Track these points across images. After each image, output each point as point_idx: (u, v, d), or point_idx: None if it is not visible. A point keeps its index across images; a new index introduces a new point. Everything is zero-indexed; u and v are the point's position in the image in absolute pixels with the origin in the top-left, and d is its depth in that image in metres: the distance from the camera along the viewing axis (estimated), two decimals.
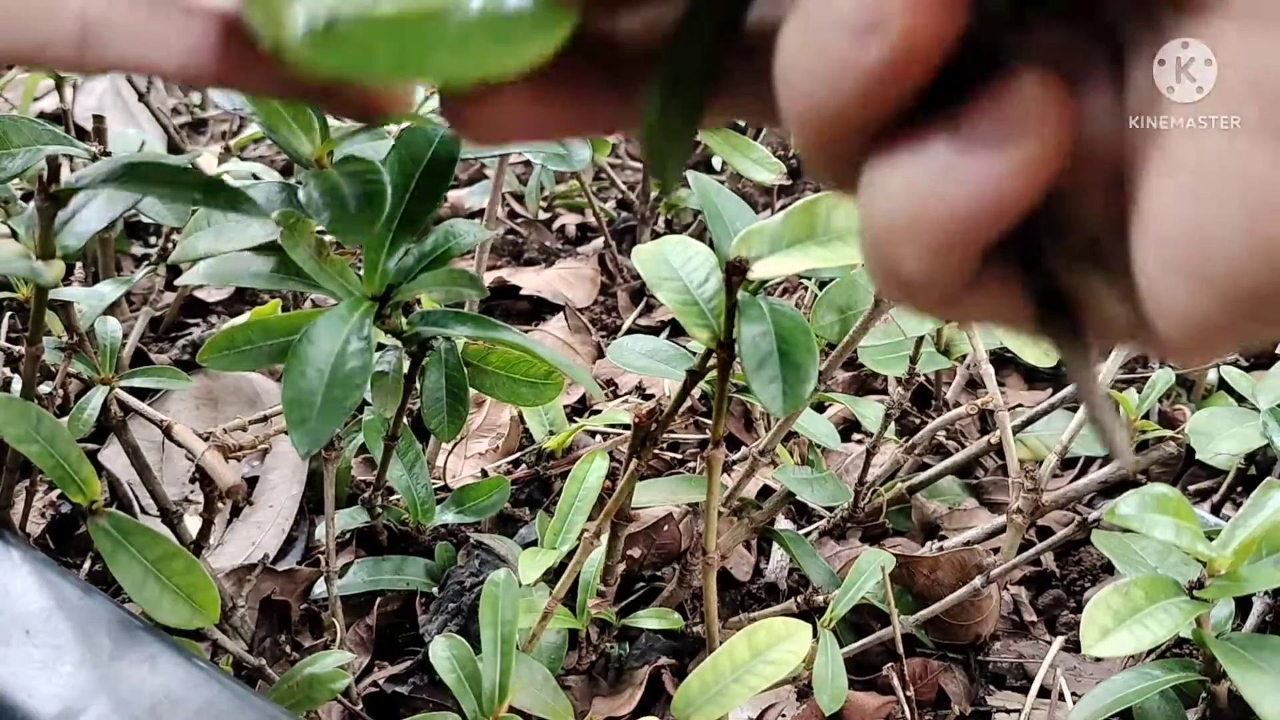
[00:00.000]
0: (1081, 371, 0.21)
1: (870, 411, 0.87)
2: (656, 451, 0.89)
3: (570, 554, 0.70)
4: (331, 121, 0.51)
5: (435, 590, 0.82)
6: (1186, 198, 0.18)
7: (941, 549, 0.88)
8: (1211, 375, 1.02)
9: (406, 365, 0.64)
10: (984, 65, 0.19)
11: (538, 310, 1.26)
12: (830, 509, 0.93)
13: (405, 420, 0.74)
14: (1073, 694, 0.75)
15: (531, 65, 0.22)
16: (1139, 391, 0.89)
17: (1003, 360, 1.09)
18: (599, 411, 1.03)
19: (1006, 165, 0.18)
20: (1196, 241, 0.18)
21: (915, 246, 0.19)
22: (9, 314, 0.94)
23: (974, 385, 1.08)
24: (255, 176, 0.88)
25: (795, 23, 0.19)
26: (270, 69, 0.24)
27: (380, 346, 0.58)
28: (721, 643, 0.58)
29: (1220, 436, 0.84)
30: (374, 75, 0.23)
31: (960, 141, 0.18)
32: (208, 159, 0.95)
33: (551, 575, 0.71)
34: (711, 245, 0.58)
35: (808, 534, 0.91)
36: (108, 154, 0.50)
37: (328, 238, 0.48)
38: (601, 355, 1.18)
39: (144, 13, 0.25)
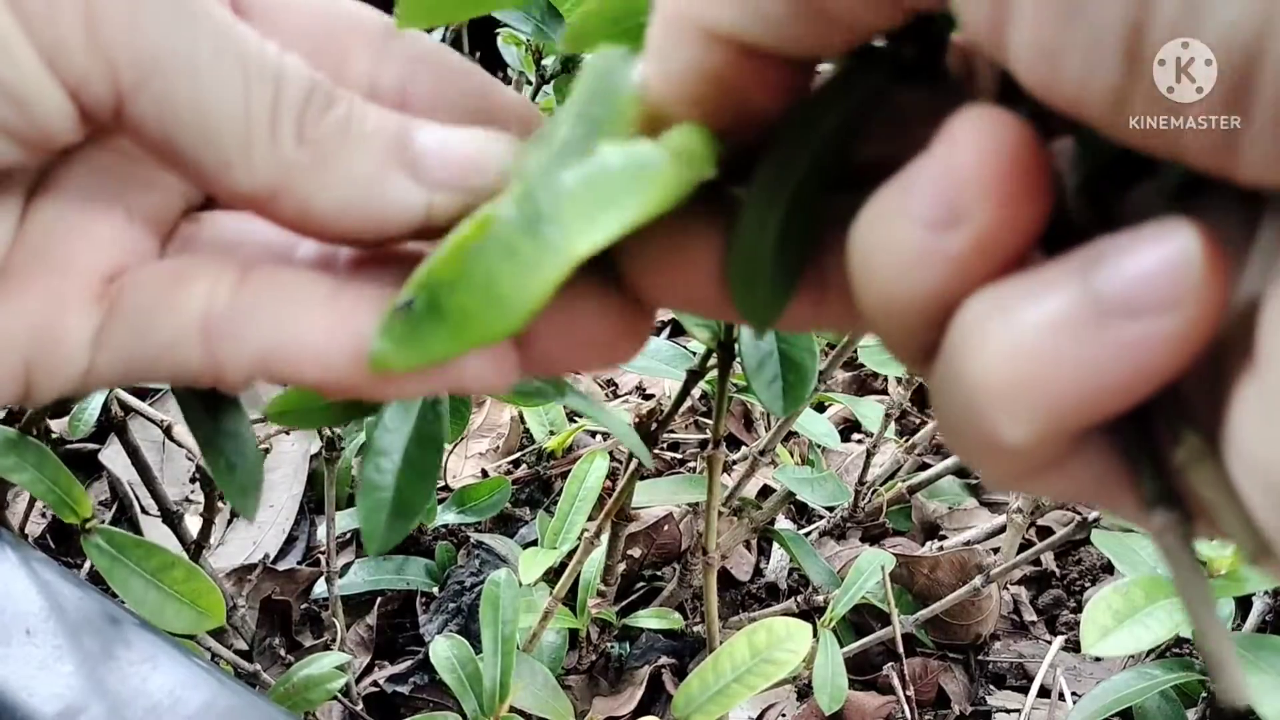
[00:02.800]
0: (1190, 585, 0.16)
1: (870, 411, 0.87)
2: (656, 451, 0.89)
3: (570, 554, 0.71)
4: None
5: (436, 590, 0.82)
6: (1262, 408, 0.15)
7: (941, 549, 0.88)
8: None
9: None
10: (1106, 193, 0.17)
11: None
12: (830, 509, 0.93)
13: None
14: (1073, 694, 0.75)
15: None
16: None
17: None
18: None
19: (1157, 331, 0.15)
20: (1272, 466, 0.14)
21: (1020, 411, 0.16)
22: None
23: None
24: None
25: (868, 213, 0.18)
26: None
27: None
28: (722, 642, 0.58)
29: None
30: (467, 345, 0.19)
31: (1096, 297, 0.15)
32: None
33: (552, 575, 0.71)
34: None
35: (808, 534, 0.91)
36: None
37: None
38: None
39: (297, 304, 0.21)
